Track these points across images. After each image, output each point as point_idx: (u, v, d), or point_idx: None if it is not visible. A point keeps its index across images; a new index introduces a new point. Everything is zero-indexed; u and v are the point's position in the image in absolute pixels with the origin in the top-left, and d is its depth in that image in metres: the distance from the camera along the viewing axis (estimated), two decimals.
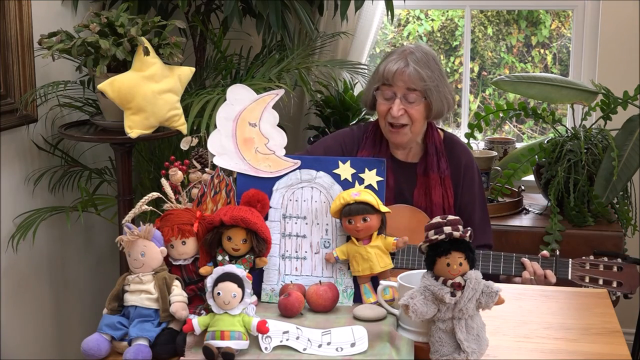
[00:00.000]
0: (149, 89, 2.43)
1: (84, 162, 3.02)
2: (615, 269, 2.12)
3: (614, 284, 2.11)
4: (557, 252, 2.20)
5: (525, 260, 2.16)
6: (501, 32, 3.89)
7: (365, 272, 1.80)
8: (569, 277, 2.14)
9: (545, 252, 2.21)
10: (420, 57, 2.27)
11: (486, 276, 1.71)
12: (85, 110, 2.86)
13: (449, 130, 3.82)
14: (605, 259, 2.15)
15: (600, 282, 2.12)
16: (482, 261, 2.17)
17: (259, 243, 1.75)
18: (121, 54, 2.41)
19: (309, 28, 3.03)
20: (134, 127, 2.45)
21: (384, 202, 1.84)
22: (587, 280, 2.12)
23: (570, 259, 2.16)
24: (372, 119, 3.32)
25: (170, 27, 2.57)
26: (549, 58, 3.88)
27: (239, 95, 1.94)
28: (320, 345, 1.60)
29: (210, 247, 1.76)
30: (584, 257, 2.17)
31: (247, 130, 1.92)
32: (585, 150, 2.90)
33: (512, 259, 2.17)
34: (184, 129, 2.53)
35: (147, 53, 2.43)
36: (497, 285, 1.58)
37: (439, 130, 2.40)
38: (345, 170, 1.89)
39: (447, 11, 3.87)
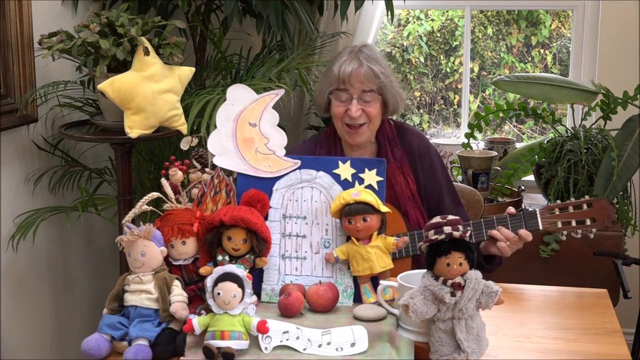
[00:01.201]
0: (149, 89, 2.43)
1: (84, 162, 3.02)
2: (585, 206, 2.09)
3: (587, 222, 2.07)
4: (523, 207, 2.17)
5: (494, 232, 2.10)
6: (501, 32, 3.89)
7: (365, 272, 1.80)
8: (540, 227, 2.10)
9: (511, 209, 2.15)
10: (369, 54, 2.28)
11: None
12: (85, 110, 2.86)
13: (449, 130, 3.82)
14: (573, 199, 2.12)
15: (573, 223, 2.08)
16: None
17: (259, 243, 1.75)
18: (121, 54, 2.41)
19: (309, 28, 3.03)
20: (134, 127, 2.45)
21: (384, 202, 1.84)
22: (559, 225, 2.08)
23: (537, 209, 2.12)
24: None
25: (170, 27, 2.56)
26: (549, 58, 3.88)
27: (239, 95, 1.94)
28: (320, 345, 1.60)
29: (210, 247, 1.76)
30: (551, 204, 2.14)
31: (247, 130, 1.92)
32: (585, 150, 2.90)
33: (481, 225, 2.14)
34: (184, 129, 2.53)
35: (147, 53, 2.43)
36: (497, 286, 1.58)
37: (389, 121, 2.39)
38: (345, 170, 1.90)
39: (447, 11, 3.87)
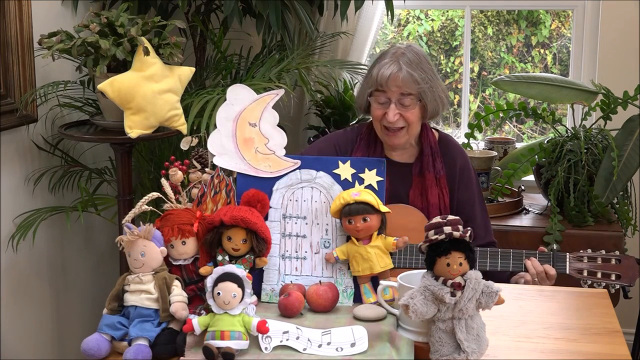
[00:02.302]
0: (149, 89, 2.43)
1: (84, 162, 3.02)
2: (613, 261, 2.11)
3: (613, 277, 2.09)
4: (554, 247, 2.19)
5: (527, 262, 2.15)
6: (501, 32, 3.89)
7: (365, 272, 1.80)
8: (567, 272, 2.13)
9: (542, 248, 2.20)
10: (412, 59, 2.25)
11: (484, 273, 1.71)
12: (85, 110, 2.86)
13: (449, 130, 3.82)
14: (603, 251, 2.14)
15: (599, 275, 2.10)
16: (480, 258, 2.16)
17: (259, 243, 1.75)
18: (121, 54, 2.41)
19: (309, 28, 3.03)
20: (134, 127, 2.45)
21: (384, 202, 1.84)
22: (585, 273, 2.11)
23: (567, 253, 2.15)
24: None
25: (170, 27, 2.56)
26: (549, 58, 3.88)
27: (239, 95, 1.94)
28: (320, 345, 1.60)
29: (210, 247, 1.76)
30: (581, 251, 2.15)
31: (247, 130, 1.92)
32: (585, 150, 2.90)
33: (509, 256, 2.16)
34: (184, 129, 2.53)
35: (147, 53, 2.43)
36: (497, 285, 1.58)
37: (433, 130, 2.39)
38: (345, 170, 1.90)
39: (447, 11, 3.87)
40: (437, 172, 2.31)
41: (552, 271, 2.13)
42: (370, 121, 2.37)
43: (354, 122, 3.29)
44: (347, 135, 2.41)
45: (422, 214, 2.24)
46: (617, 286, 2.11)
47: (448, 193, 2.31)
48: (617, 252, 2.14)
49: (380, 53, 2.37)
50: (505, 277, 2.24)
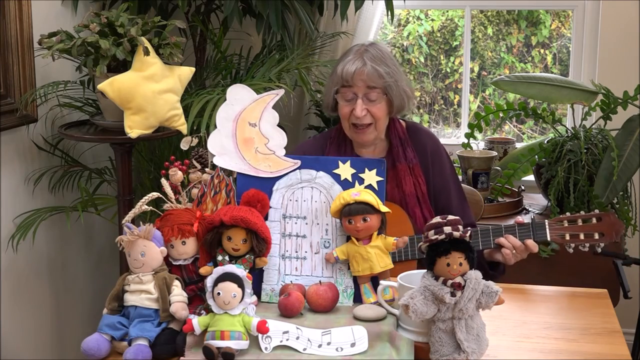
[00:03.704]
0: (149, 89, 2.43)
1: (84, 162, 3.02)
2: (594, 220, 2.07)
3: (596, 236, 2.06)
4: (533, 217, 2.16)
5: (501, 239, 2.10)
6: (501, 32, 3.89)
7: (365, 272, 1.80)
8: (548, 238, 2.10)
9: (519, 219, 2.16)
10: (376, 54, 2.27)
11: None
12: (85, 110, 2.86)
13: (448, 130, 3.82)
14: (582, 212, 2.11)
15: (582, 236, 2.07)
16: None
17: (259, 243, 1.75)
18: (121, 54, 2.41)
19: (309, 28, 3.03)
20: (134, 127, 2.45)
21: (384, 202, 1.84)
22: (567, 237, 2.07)
23: (546, 220, 2.12)
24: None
25: (170, 27, 2.57)
26: (549, 58, 3.88)
27: (239, 95, 1.94)
28: (320, 345, 1.60)
29: (210, 247, 1.76)
30: (561, 216, 2.13)
31: (247, 130, 1.92)
32: (585, 150, 2.90)
33: (489, 232, 2.14)
34: (184, 129, 2.53)
35: (147, 53, 2.43)
36: (497, 286, 1.58)
37: (400, 121, 2.39)
38: (345, 170, 1.90)
39: (447, 11, 3.87)
40: (409, 161, 2.31)
41: (534, 248, 2.08)
42: (339, 123, 2.38)
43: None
44: (316, 142, 2.42)
45: (400, 207, 2.23)
46: (602, 244, 2.07)
47: (424, 181, 2.31)
48: (597, 211, 2.12)
49: (344, 52, 2.38)
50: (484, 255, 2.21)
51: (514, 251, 2.08)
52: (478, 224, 2.40)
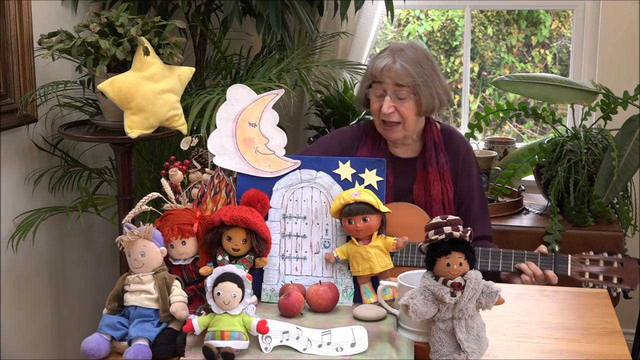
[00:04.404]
0: (149, 89, 2.43)
1: (84, 162, 3.02)
2: (615, 264, 2.10)
3: (615, 280, 2.08)
4: (556, 248, 2.18)
5: (522, 265, 2.14)
6: (501, 32, 3.89)
7: (365, 272, 1.80)
8: (569, 274, 2.12)
9: (543, 249, 2.18)
10: (409, 54, 2.27)
11: (485, 273, 1.71)
12: (85, 110, 2.86)
13: None
14: (605, 254, 2.12)
15: (600, 278, 2.09)
16: (481, 258, 2.16)
17: (259, 243, 1.75)
18: (121, 54, 2.41)
19: (309, 28, 3.03)
20: (134, 127, 2.45)
21: (384, 202, 1.84)
22: (587, 276, 2.10)
23: (569, 255, 2.14)
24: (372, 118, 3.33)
25: (170, 27, 2.56)
26: (549, 58, 3.88)
27: (239, 95, 1.94)
28: (320, 345, 1.60)
29: (210, 247, 1.76)
30: (584, 253, 2.14)
31: (247, 130, 1.92)
32: (585, 150, 2.90)
33: (511, 256, 2.16)
34: (184, 129, 2.53)
35: (147, 53, 2.43)
36: (497, 285, 1.58)
37: (436, 124, 2.40)
38: (345, 170, 1.89)
39: (447, 11, 3.87)
40: (440, 166, 2.32)
41: (554, 280, 2.12)
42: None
43: (354, 122, 3.29)
44: (352, 132, 2.43)
45: (425, 213, 2.24)
46: (619, 290, 2.10)
47: (452, 188, 2.32)
48: (620, 255, 2.13)
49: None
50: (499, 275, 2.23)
51: (534, 279, 2.11)
52: None
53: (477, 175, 2.40)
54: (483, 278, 1.58)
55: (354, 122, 3.28)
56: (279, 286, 1.84)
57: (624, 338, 1.71)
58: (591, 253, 2.15)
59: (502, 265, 2.15)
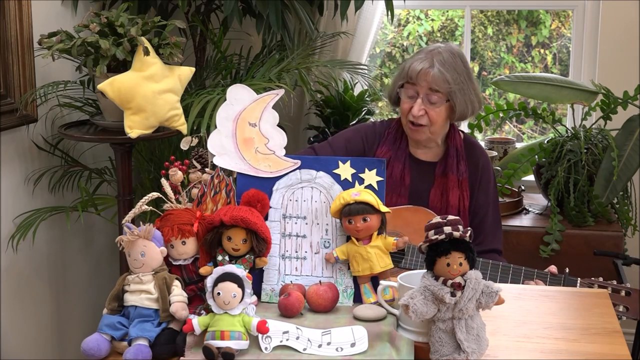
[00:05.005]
0: (149, 89, 2.43)
1: (84, 162, 3.02)
2: (623, 293, 2.11)
3: (621, 309, 2.09)
4: (567, 271, 2.18)
5: (531, 283, 2.14)
6: (501, 32, 3.89)
7: (365, 272, 1.80)
8: None
9: (553, 269, 2.17)
10: (447, 59, 2.25)
11: None
12: (85, 110, 2.86)
13: None
14: (614, 282, 2.14)
15: None
16: (491, 271, 2.16)
17: (259, 243, 1.75)
18: (121, 54, 2.41)
19: (309, 28, 3.03)
20: (134, 127, 2.45)
21: (384, 202, 1.84)
22: None
23: (578, 279, 2.14)
24: (371, 119, 3.33)
25: (170, 27, 2.57)
26: (549, 58, 3.88)
27: (239, 95, 1.94)
28: (320, 345, 1.60)
29: (210, 247, 1.76)
30: (592, 278, 2.15)
31: (247, 130, 1.92)
32: (585, 150, 2.90)
33: (520, 272, 2.16)
34: (184, 129, 2.53)
35: (147, 53, 2.43)
36: (497, 285, 1.58)
37: (460, 132, 2.39)
38: (345, 170, 1.89)
39: (447, 11, 3.87)
40: (460, 174, 2.31)
41: None
42: (399, 117, 2.38)
43: (354, 122, 3.29)
44: (375, 128, 2.43)
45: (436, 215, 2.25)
46: (624, 318, 2.10)
47: (469, 196, 2.31)
48: (628, 284, 2.14)
49: (420, 49, 2.37)
50: None
51: None
52: None
53: (494, 190, 2.39)
54: None
55: (354, 122, 3.28)
56: (279, 286, 1.84)
57: (624, 338, 1.71)
58: (600, 279, 2.15)
59: (510, 280, 2.15)
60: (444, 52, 2.27)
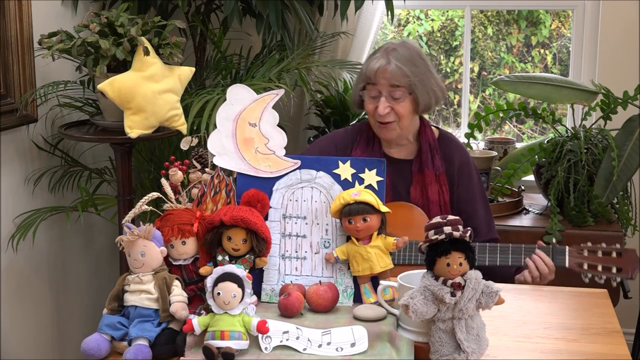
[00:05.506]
0: (149, 89, 2.43)
1: (84, 162, 3.02)
2: (614, 254, 2.09)
3: (614, 270, 2.07)
4: (554, 241, 2.18)
5: (528, 260, 2.14)
6: (501, 32, 3.89)
7: (365, 272, 1.80)
8: (567, 265, 2.12)
9: (541, 242, 2.19)
10: (402, 53, 2.27)
11: (486, 270, 1.71)
12: (85, 110, 2.86)
13: (449, 130, 3.82)
14: (603, 244, 2.12)
15: (599, 268, 2.08)
16: (478, 253, 2.16)
17: (259, 243, 1.75)
18: (121, 54, 2.41)
19: (309, 28, 3.03)
20: (134, 127, 2.45)
21: (384, 202, 1.84)
22: (585, 267, 2.09)
23: (567, 247, 2.14)
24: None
25: (170, 27, 2.56)
26: (549, 58, 3.88)
27: (239, 95, 1.94)
28: (320, 345, 1.60)
29: (210, 247, 1.76)
30: (581, 244, 2.14)
31: (247, 130, 1.92)
32: (585, 150, 2.90)
33: (508, 250, 2.16)
34: (184, 129, 2.53)
35: (147, 53, 2.43)
36: (497, 285, 1.58)
37: (432, 127, 2.40)
38: (345, 170, 1.89)
39: (447, 11, 3.87)
40: (436, 168, 2.32)
41: (551, 268, 2.12)
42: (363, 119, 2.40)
43: (354, 121, 3.29)
44: (347, 134, 2.44)
45: (423, 212, 2.25)
46: (618, 279, 2.08)
47: (448, 190, 2.32)
48: (618, 245, 2.13)
49: (375, 50, 2.39)
50: (511, 272, 2.24)
51: (537, 274, 2.13)
52: None
53: (478, 182, 2.40)
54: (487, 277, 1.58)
55: (354, 122, 3.28)
56: (279, 286, 1.84)
57: (624, 338, 1.71)
58: (589, 244, 2.14)
59: (499, 260, 2.15)
60: (399, 48, 2.29)
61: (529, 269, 2.14)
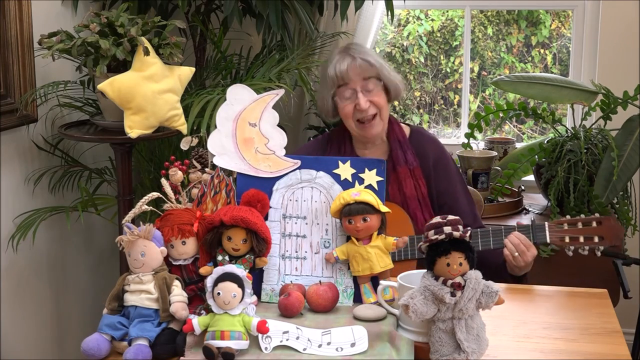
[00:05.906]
0: (149, 89, 2.43)
1: (84, 162, 3.02)
2: (594, 224, 2.09)
3: (596, 240, 2.07)
4: (533, 219, 2.18)
5: (506, 240, 2.12)
6: (501, 32, 3.89)
7: (365, 272, 1.80)
8: (548, 240, 2.11)
9: (520, 221, 2.19)
10: (359, 47, 2.36)
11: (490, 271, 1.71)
12: (85, 110, 2.86)
13: (448, 130, 3.82)
14: (582, 215, 2.12)
15: (581, 239, 2.08)
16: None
17: (259, 243, 1.75)
18: (121, 54, 2.41)
19: (309, 28, 3.03)
20: (134, 127, 2.45)
21: (384, 202, 1.84)
22: (567, 240, 2.08)
23: (546, 222, 2.14)
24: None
25: (170, 27, 2.56)
26: (549, 58, 3.88)
27: (239, 95, 1.94)
28: (320, 345, 1.60)
29: (210, 247, 1.76)
30: (561, 218, 2.14)
31: (247, 130, 1.92)
32: (585, 150, 2.90)
33: (488, 233, 2.15)
34: (184, 129, 2.53)
35: (147, 53, 2.43)
36: (497, 285, 1.58)
37: (402, 125, 2.40)
38: (345, 170, 1.90)
39: (447, 11, 3.87)
40: (409, 164, 2.33)
41: (529, 247, 2.10)
42: (338, 125, 2.39)
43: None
44: (317, 144, 2.46)
45: (400, 207, 2.24)
46: (602, 248, 2.08)
47: (425, 184, 2.32)
48: (597, 214, 2.12)
49: (328, 58, 2.43)
50: (502, 259, 2.22)
51: (516, 253, 2.09)
52: None
53: (457, 173, 2.40)
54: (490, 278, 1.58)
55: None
56: (279, 286, 1.84)
57: (624, 338, 1.71)
58: (567, 217, 2.14)
59: (481, 244, 2.14)
60: (353, 44, 2.39)
61: (506, 248, 2.12)
